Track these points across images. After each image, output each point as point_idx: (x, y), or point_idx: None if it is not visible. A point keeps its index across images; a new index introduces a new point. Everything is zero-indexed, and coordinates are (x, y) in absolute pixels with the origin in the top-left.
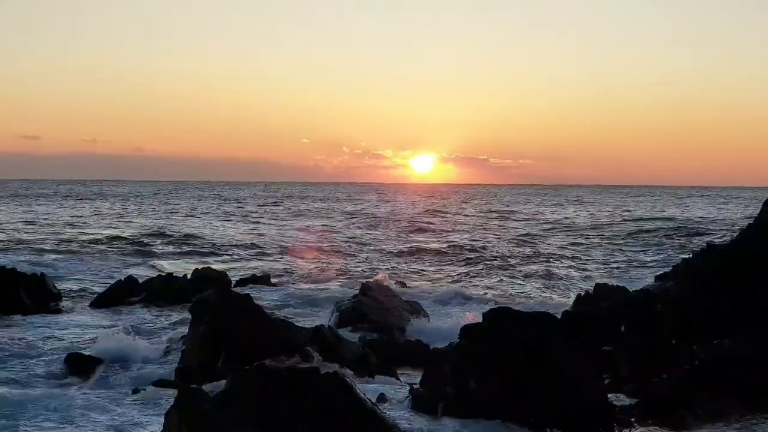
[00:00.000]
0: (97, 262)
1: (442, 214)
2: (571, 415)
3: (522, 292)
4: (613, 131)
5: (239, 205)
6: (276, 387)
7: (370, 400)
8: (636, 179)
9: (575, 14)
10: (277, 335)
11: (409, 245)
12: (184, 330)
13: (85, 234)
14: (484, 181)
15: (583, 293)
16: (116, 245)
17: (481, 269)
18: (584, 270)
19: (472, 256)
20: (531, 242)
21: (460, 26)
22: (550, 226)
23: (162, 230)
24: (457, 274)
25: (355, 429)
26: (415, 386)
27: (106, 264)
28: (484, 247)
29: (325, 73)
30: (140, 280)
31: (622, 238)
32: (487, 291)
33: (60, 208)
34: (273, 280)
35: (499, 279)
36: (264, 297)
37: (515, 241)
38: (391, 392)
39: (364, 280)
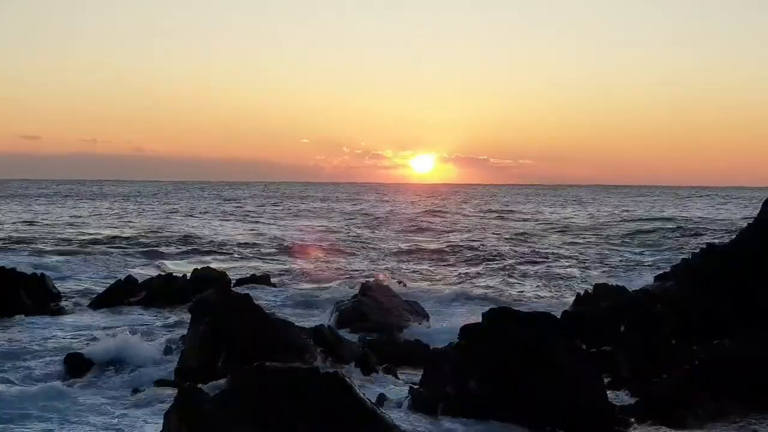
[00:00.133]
0: (96, 262)
1: (442, 214)
2: (571, 414)
3: (522, 292)
4: (613, 131)
5: (239, 205)
6: (276, 387)
7: (370, 400)
8: (636, 179)
9: (575, 14)
10: (277, 335)
11: (409, 245)
12: (184, 330)
13: (85, 234)
14: (484, 181)
15: (582, 293)
16: (116, 245)
17: (481, 269)
18: (584, 270)
19: (472, 256)
20: (531, 242)
21: (460, 26)
22: (550, 226)
23: (162, 230)
24: (457, 274)
25: (355, 429)
26: (415, 386)
27: (106, 264)
28: (483, 247)
29: (325, 73)
30: (140, 280)
31: (622, 238)
32: (486, 291)
33: (60, 208)
34: (273, 280)
35: (498, 279)
36: (264, 297)
37: (515, 241)
38: (391, 392)
39: (364, 280)
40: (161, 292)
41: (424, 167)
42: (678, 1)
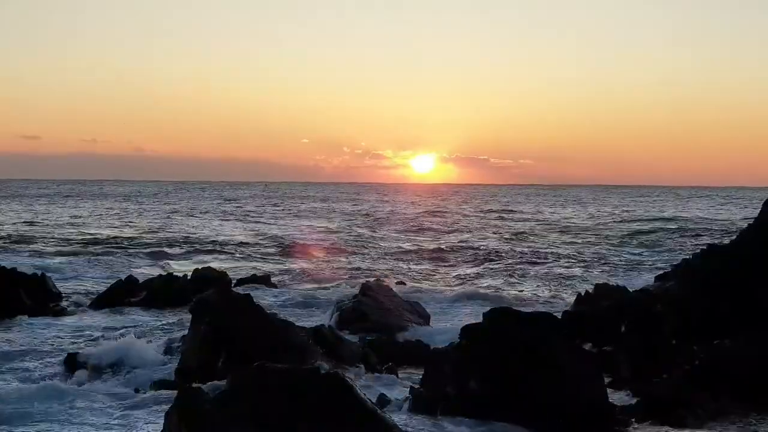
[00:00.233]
0: (97, 263)
1: (443, 214)
2: (571, 414)
3: (522, 292)
4: (613, 131)
5: (239, 205)
6: (276, 387)
7: (370, 400)
8: (636, 179)
9: (575, 14)
10: (277, 335)
11: (409, 245)
12: (184, 330)
13: (86, 234)
14: (485, 181)
15: (583, 293)
16: (116, 245)
17: (481, 269)
18: (584, 270)
19: (472, 256)
20: (531, 242)
21: (460, 26)
22: (550, 226)
23: (162, 230)
24: (457, 274)
25: (355, 429)
26: (415, 386)
27: (106, 264)
28: (484, 248)
29: (325, 73)
30: (140, 280)
31: (622, 238)
32: (487, 291)
33: (60, 208)
34: (273, 280)
35: (499, 279)
36: (264, 297)
37: (515, 241)
38: (391, 392)
39: (364, 280)
40: (162, 292)
41: (425, 167)
42: (678, 1)
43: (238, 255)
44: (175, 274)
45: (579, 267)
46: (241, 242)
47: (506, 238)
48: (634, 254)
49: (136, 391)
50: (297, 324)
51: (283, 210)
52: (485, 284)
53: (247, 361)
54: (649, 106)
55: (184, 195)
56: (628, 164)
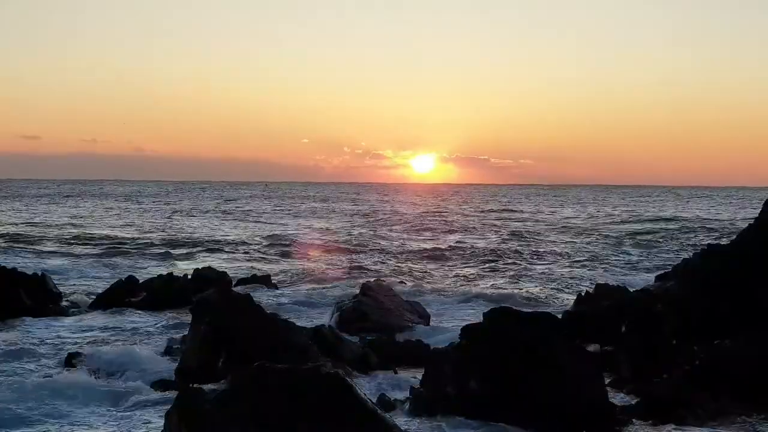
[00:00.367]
0: (97, 263)
1: (443, 214)
2: (571, 415)
3: (522, 292)
4: (613, 131)
5: (239, 204)
6: (276, 387)
7: (370, 400)
8: (636, 179)
9: (575, 14)
10: (277, 335)
11: (409, 245)
12: (185, 330)
13: (86, 234)
14: (485, 181)
15: (583, 293)
16: (116, 245)
17: (482, 269)
18: (584, 270)
19: (473, 256)
20: (531, 242)
21: (460, 26)
22: (550, 225)
23: (162, 230)
24: (458, 274)
25: (355, 429)
26: (415, 386)
27: (107, 264)
28: (484, 247)
29: (325, 73)
30: (140, 280)
31: (622, 238)
32: (487, 291)
33: (61, 207)
34: (273, 280)
35: (499, 279)
36: (264, 297)
37: (515, 241)
38: (391, 392)
39: (364, 280)
40: (162, 292)
41: (425, 167)
42: (678, 1)
43: (238, 255)
44: (175, 274)
45: (579, 267)
46: (242, 242)
47: (506, 238)
48: (634, 254)
49: (136, 391)
50: (297, 324)
51: (283, 210)
52: (485, 284)
53: (247, 361)
54: (649, 106)
55: (184, 195)
56: (628, 164)
